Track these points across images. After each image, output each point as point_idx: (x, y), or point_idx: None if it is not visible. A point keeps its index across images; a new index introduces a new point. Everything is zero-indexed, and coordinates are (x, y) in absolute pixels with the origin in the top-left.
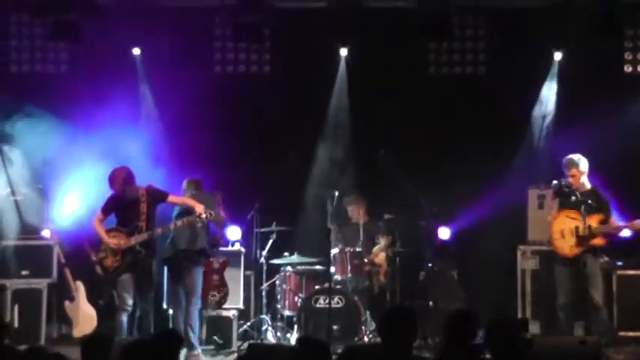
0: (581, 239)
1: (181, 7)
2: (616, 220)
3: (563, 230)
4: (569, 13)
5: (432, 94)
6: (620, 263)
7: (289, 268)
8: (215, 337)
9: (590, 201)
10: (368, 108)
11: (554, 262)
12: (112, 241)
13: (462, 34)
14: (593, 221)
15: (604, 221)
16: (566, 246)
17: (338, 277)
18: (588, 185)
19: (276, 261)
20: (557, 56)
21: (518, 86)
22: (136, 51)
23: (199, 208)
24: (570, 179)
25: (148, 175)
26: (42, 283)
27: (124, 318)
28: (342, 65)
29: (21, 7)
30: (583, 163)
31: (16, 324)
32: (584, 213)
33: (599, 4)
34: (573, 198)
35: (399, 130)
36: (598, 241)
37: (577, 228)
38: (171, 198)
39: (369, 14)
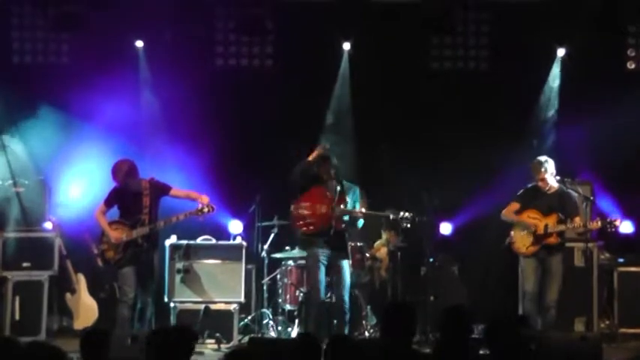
0: (537, 238)
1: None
2: (585, 219)
3: (522, 231)
4: (572, 9)
5: (434, 89)
6: (621, 260)
7: (290, 262)
8: (218, 335)
9: (553, 201)
10: (370, 102)
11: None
12: (114, 234)
13: (464, 29)
14: (551, 221)
15: (561, 221)
16: (522, 245)
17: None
18: (555, 186)
19: (277, 255)
20: (560, 52)
21: (521, 82)
22: (139, 43)
23: (204, 199)
24: (540, 183)
25: (149, 168)
26: (43, 275)
27: (125, 310)
28: (345, 59)
29: None
30: (550, 165)
31: (17, 316)
32: (544, 213)
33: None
34: (537, 199)
35: (401, 125)
36: (552, 240)
37: (535, 227)
38: (174, 191)
39: (371, 8)
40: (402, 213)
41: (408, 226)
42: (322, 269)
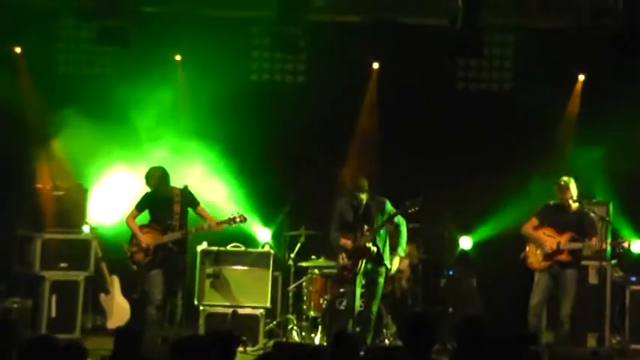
0: (548, 255)
1: (222, 18)
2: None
3: (536, 247)
4: (595, 35)
5: (460, 109)
6: (633, 279)
7: (316, 271)
8: (244, 338)
9: (572, 220)
10: (397, 120)
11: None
12: (144, 238)
13: (489, 52)
14: (564, 239)
15: (574, 239)
16: (535, 260)
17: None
18: (575, 205)
19: (303, 264)
20: (581, 77)
21: (543, 103)
22: (178, 57)
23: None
24: (563, 202)
25: (184, 176)
26: (79, 276)
27: (153, 311)
28: (374, 78)
29: (69, 12)
30: (573, 185)
31: (53, 314)
32: (559, 231)
33: (625, 26)
34: (556, 217)
35: (427, 143)
36: (563, 257)
37: (547, 246)
38: (201, 209)
39: (401, 30)
40: (408, 202)
41: (417, 208)
42: (360, 281)
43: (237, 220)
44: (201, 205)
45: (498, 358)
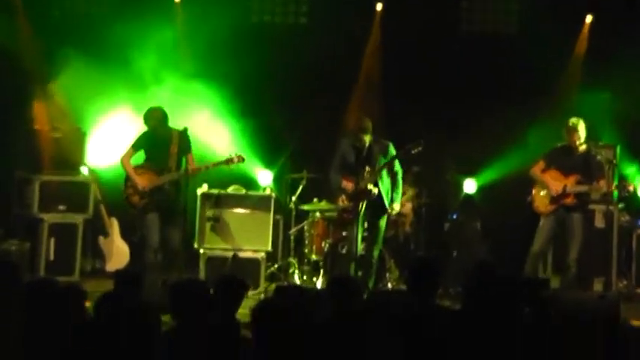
0: (554, 198)
1: None
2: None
3: (542, 190)
4: None
5: (464, 52)
6: None
7: (317, 214)
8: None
9: (578, 163)
10: (400, 63)
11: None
12: (139, 180)
13: None
14: (570, 182)
15: (580, 182)
16: (541, 204)
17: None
18: (583, 148)
19: (305, 207)
20: (589, 18)
21: (549, 45)
22: None
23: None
24: (571, 144)
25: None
26: (78, 219)
27: (152, 255)
28: (377, 20)
29: None
30: (582, 127)
31: (51, 257)
32: (565, 173)
33: None
34: (562, 160)
35: (430, 86)
36: (569, 201)
37: (553, 189)
38: (190, 157)
39: None
40: (410, 144)
41: (419, 150)
42: (362, 224)
43: (235, 160)
44: (191, 153)
45: (509, 303)
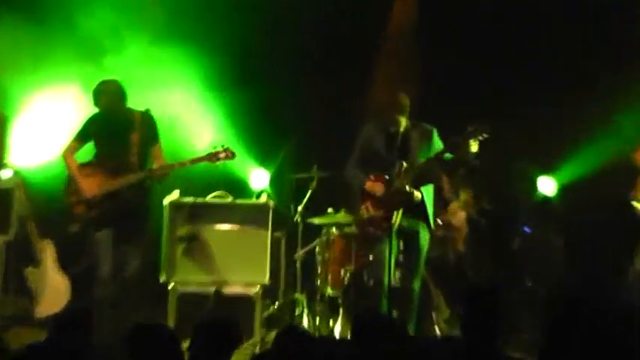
0: None
1: None
2: None
3: None
4: None
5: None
6: None
7: (334, 229)
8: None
9: None
10: (443, 24)
11: None
12: (85, 184)
13: None
14: None
15: None
16: None
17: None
18: None
19: (316, 220)
20: None
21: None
22: None
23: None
24: None
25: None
26: None
27: (101, 292)
28: None
29: None
30: None
31: None
32: None
33: None
34: None
35: (483, 56)
36: None
37: None
38: (157, 149)
39: None
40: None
41: (485, 137)
42: (396, 243)
43: (222, 156)
44: (160, 144)
45: (618, 350)
